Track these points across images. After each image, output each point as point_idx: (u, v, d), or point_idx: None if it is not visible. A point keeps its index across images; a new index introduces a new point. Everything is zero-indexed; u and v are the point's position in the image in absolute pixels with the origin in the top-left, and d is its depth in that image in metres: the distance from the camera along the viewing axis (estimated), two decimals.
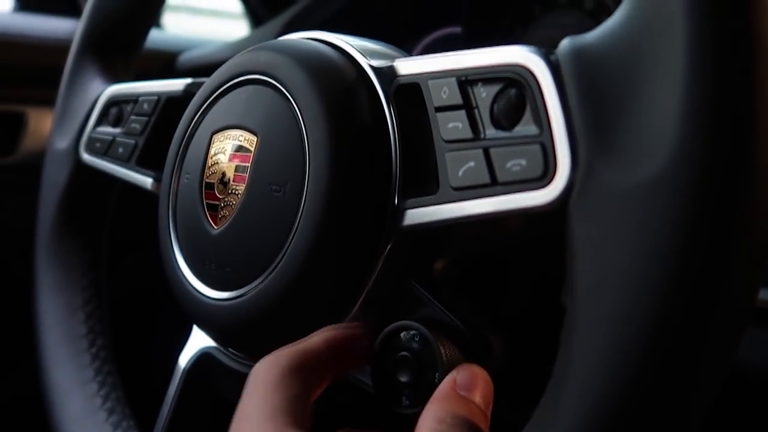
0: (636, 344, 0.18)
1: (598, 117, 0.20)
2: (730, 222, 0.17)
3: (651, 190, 0.18)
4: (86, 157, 0.45)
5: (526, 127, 0.22)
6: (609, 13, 0.27)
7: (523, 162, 0.22)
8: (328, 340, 0.26)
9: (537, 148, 0.21)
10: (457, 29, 0.63)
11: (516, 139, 0.22)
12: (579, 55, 0.21)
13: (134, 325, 0.55)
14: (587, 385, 0.19)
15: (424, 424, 0.22)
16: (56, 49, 0.73)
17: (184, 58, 0.77)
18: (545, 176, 0.21)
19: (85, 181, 0.46)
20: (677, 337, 0.17)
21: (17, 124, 0.69)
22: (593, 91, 0.20)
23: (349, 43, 0.33)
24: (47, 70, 0.72)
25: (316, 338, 0.26)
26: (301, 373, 0.24)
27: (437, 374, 0.25)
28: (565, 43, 0.22)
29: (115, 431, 0.40)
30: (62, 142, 0.47)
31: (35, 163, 0.69)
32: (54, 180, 0.47)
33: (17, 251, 0.64)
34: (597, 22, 0.26)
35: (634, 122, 0.19)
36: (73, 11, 0.82)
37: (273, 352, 0.25)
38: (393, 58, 0.32)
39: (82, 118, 0.46)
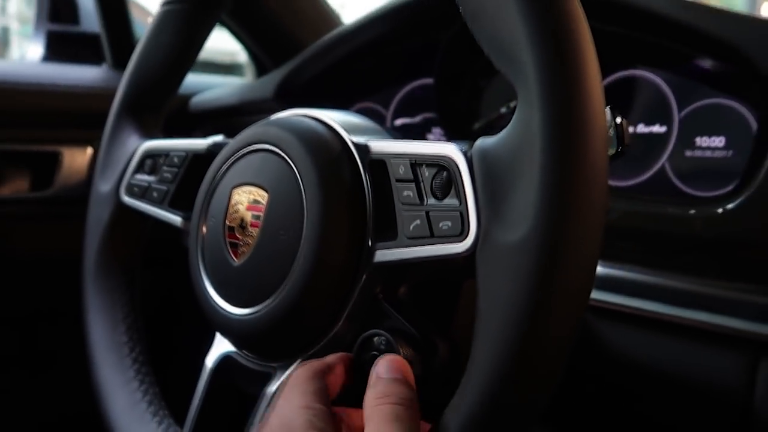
0: (508, 349, 0.29)
1: (493, 197, 0.31)
2: (557, 271, 0.28)
3: (519, 248, 0.29)
4: (126, 199, 0.56)
5: (452, 200, 0.34)
6: None
7: (449, 223, 0.33)
8: (339, 358, 0.38)
9: (457, 214, 0.33)
10: (430, 80, 0.75)
11: (445, 208, 0.33)
12: (483, 154, 0.32)
13: (161, 333, 0.65)
14: (481, 375, 0.30)
15: (368, 404, 0.33)
16: (85, 94, 0.84)
17: (197, 100, 0.88)
18: (462, 234, 0.32)
19: (124, 218, 0.56)
20: (532, 345, 0.29)
21: (53, 162, 0.79)
22: (490, 180, 0.31)
23: (335, 121, 0.43)
24: (78, 114, 0.83)
25: (332, 357, 0.38)
26: (324, 376, 0.36)
27: None
28: (477, 144, 0.33)
29: (153, 419, 0.50)
30: (105, 186, 0.57)
31: (69, 195, 0.80)
32: (98, 217, 0.57)
33: (56, 270, 0.74)
34: None
35: (512, 203, 0.30)
36: (98, 60, 0.93)
37: (305, 364, 0.37)
38: (370, 132, 0.43)
39: (122, 167, 0.56)
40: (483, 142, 0.33)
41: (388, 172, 0.37)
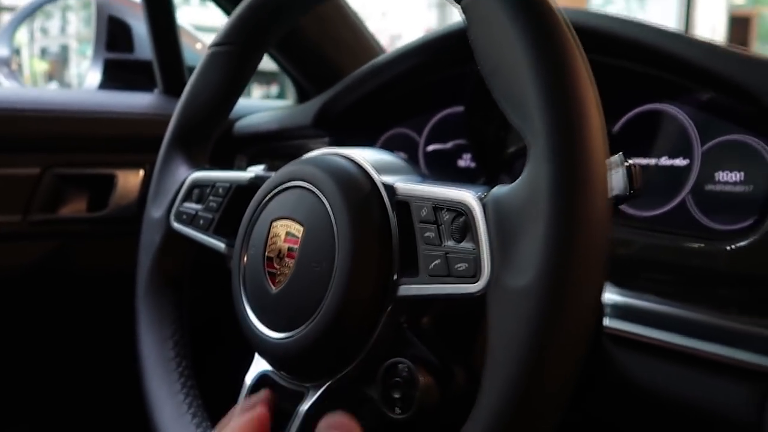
0: (513, 385, 0.32)
1: (504, 244, 0.34)
2: (559, 315, 0.31)
3: (525, 293, 0.32)
4: (175, 225, 0.61)
5: (468, 243, 0.37)
6: None
7: (465, 265, 0.36)
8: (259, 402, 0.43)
9: (472, 258, 0.36)
10: (461, 108, 0.78)
11: (462, 250, 0.37)
12: (496, 203, 0.35)
13: (204, 350, 0.70)
14: (491, 402, 0.33)
15: None
16: (138, 121, 0.90)
17: (241, 125, 0.93)
18: (476, 276, 0.35)
19: (173, 242, 0.61)
20: (535, 382, 0.31)
21: (108, 184, 0.85)
22: (502, 228, 0.34)
23: (366, 161, 0.47)
24: (131, 139, 0.89)
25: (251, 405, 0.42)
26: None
27: (417, 393, 0.40)
28: (492, 192, 0.36)
29: (197, 430, 0.55)
30: (157, 213, 0.62)
31: (122, 215, 0.86)
32: (150, 241, 0.62)
33: (110, 285, 0.80)
34: None
35: (521, 251, 0.33)
36: (151, 84, 0.99)
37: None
38: (399, 171, 0.46)
39: (172, 196, 0.61)
40: (497, 191, 0.36)
41: (412, 213, 0.41)
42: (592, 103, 0.33)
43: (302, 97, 0.96)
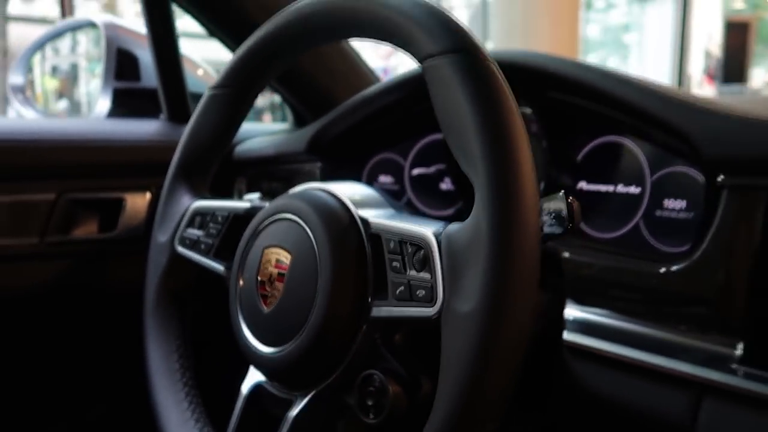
0: (458, 395, 0.38)
1: (453, 275, 0.40)
2: (497, 335, 0.37)
3: (470, 317, 0.38)
4: (179, 249, 0.67)
5: (425, 273, 0.43)
6: None
7: (424, 292, 0.42)
8: None
9: (429, 286, 0.42)
10: (441, 136, 0.84)
11: (421, 279, 0.43)
12: (448, 239, 0.42)
13: (205, 362, 0.76)
14: (443, 408, 0.39)
15: None
16: (145, 147, 0.96)
17: (240, 150, 1.00)
18: (432, 301, 0.42)
19: (178, 265, 0.68)
20: (476, 392, 0.38)
21: (117, 207, 0.92)
22: (451, 261, 0.41)
23: (346, 196, 0.53)
24: (138, 164, 0.95)
25: None
26: None
27: (388, 401, 0.46)
28: (446, 229, 0.43)
29: None
30: (162, 237, 0.69)
31: (131, 236, 0.92)
32: (156, 262, 0.69)
33: (119, 302, 0.86)
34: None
35: (467, 281, 0.39)
36: (156, 110, 1.06)
37: None
38: (375, 206, 0.53)
39: (177, 222, 0.68)
40: (450, 228, 0.42)
41: (383, 244, 0.47)
42: (525, 160, 0.40)
43: (299, 121, 1.03)
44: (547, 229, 0.47)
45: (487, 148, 0.39)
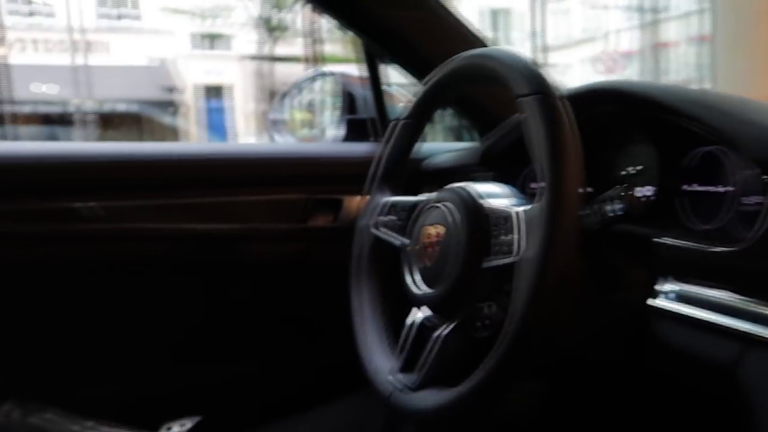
0: (523, 300, 0.62)
1: (526, 236, 0.64)
2: (546, 274, 0.60)
3: (531, 260, 0.62)
4: (374, 231, 0.98)
5: (511, 236, 0.67)
6: None
7: (509, 248, 0.67)
8: None
9: (512, 243, 0.66)
10: None
11: (509, 241, 0.67)
12: (525, 214, 0.66)
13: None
14: (511, 317, 0.63)
15: None
16: (361, 163, 1.31)
17: (426, 164, 1.29)
18: (513, 254, 0.66)
19: (376, 243, 0.98)
20: (536, 298, 0.61)
21: (337, 206, 1.28)
22: (526, 227, 0.65)
23: (475, 190, 0.79)
24: (354, 175, 1.31)
25: None
26: None
27: (494, 323, 0.71)
28: (524, 208, 0.66)
29: (391, 351, 0.90)
30: (364, 222, 1.00)
31: (345, 226, 1.27)
32: (361, 242, 1.00)
33: (338, 271, 1.21)
34: None
35: (531, 241, 0.63)
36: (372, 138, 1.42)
37: None
38: (498, 197, 0.78)
39: (377, 212, 0.99)
40: (525, 208, 0.66)
41: (490, 220, 0.72)
42: (571, 171, 0.63)
43: (474, 139, 1.30)
44: (609, 213, 0.68)
45: (550, 167, 0.63)
